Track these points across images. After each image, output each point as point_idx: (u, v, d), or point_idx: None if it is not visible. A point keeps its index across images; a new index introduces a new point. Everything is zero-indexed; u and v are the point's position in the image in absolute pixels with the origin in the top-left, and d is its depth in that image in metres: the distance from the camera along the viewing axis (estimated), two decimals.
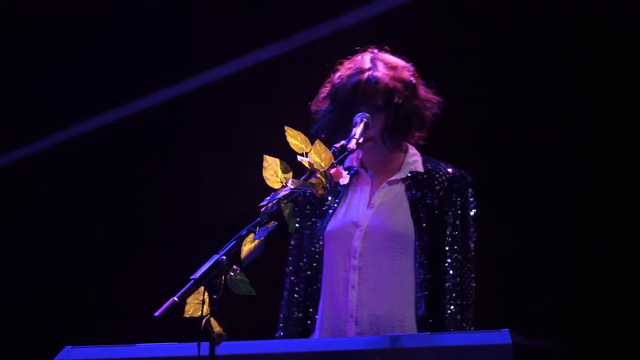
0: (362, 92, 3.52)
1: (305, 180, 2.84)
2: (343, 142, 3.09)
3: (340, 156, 3.00)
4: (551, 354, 3.01)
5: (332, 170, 2.87)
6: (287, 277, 3.68)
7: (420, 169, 3.60)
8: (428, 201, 3.55)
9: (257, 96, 5.24)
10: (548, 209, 4.75)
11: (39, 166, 5.54)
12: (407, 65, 3.63)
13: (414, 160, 3.62)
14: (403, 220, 3.53)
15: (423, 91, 3.61)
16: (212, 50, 5.32)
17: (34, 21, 5.51)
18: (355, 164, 3.66)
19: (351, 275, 3.49)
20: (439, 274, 3.51)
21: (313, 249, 3.60)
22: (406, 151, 3.64)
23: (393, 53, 3.67)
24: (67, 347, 3.11)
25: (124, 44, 5.41)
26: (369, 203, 3.57)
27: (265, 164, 2.83)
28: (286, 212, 2.76)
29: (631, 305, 4.59)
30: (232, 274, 2.69)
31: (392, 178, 3.60)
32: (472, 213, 3.59)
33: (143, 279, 5.25)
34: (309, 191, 3.34)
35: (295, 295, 3.63)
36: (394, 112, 3.51)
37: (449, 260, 3.51)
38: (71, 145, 5.46)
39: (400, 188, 3.58)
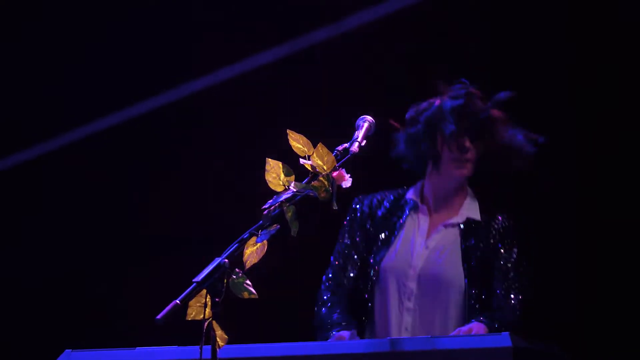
0: (469, 111, 3.60)
1: (307, 183, 2.84)
2: (345, 145, 3.08)
3: (342, 159, 2.99)
4: (551, 358, 3.01)
5: (335, 174, 2.86)
6: (333, 260, 3.69)
7: (477, 217, 3.64)
8: (480, 251, 3.58)
9: (260, 99, 5.24)
10: (548, 210, 4.75)
11: (42, 168, 5.53)
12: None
13: (473, 205, 3.66)
14: (455, 267, 3.55)
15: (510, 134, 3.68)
16: (216, 53, 5.32)
17: (36, 23, 5.51)
18: (415, 197, 3.68)
19: (405, 317, 3.51)
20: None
21: (369, 270, 3.59)
22: (466, 194, 3.68)
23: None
24: (67, 351, 3.11)
25: (128, 46, 5.41)
26: (424, 243, 3.59)
27: (267, 167, 2.83)
28: (288, 215, 2.76)
29: (631, 309, 4.58)
30: (234, 276, 2.68)
31: (450, 221, 3.63)
32: (515, 255, 3.60)
33: (144, 281, 5.24)
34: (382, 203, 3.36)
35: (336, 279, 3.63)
36: (496, 143, 3.62)
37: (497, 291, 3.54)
38: (74, 148, 5.46)
39: (456, 233, 3.61)
